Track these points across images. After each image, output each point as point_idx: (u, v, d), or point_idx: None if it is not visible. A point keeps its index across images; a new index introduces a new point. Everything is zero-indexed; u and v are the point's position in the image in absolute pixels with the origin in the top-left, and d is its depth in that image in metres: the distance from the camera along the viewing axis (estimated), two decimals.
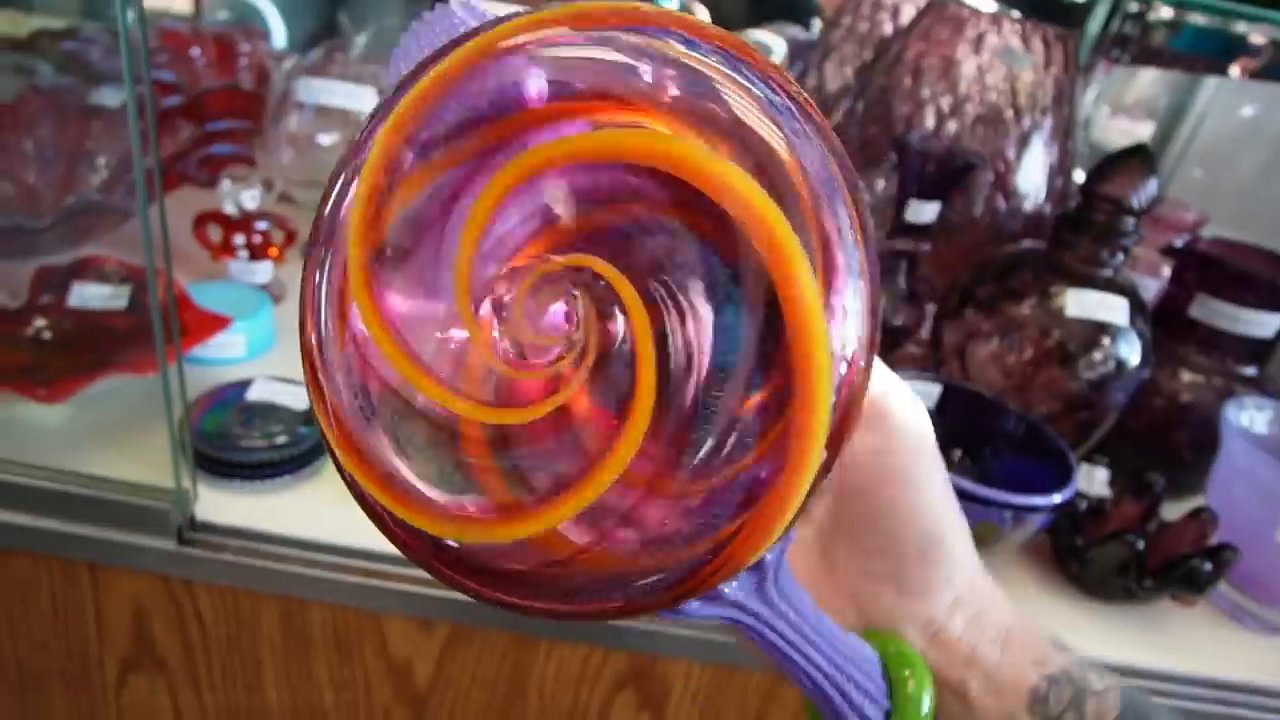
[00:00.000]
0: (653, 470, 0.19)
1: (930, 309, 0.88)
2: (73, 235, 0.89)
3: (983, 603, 0.27)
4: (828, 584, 0.28)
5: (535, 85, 0.18)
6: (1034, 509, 0.65)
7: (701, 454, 0.19)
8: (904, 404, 0.26)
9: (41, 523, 0.65)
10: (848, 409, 0.19)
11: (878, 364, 0.25)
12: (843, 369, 0.18)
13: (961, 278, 0.83)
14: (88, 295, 0.83)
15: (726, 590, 0.24)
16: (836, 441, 0.19)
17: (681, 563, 0.20)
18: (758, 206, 0.17)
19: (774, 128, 0.18)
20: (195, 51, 1.21)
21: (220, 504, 0.66)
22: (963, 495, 0.66)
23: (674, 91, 0.18)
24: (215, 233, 0.94)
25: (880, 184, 0.94)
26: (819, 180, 0.18)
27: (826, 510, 0.29)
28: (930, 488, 0.26)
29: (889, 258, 0.81)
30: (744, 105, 0.18)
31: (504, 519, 0.20)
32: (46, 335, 0.80)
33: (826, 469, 0.19)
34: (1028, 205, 0.88)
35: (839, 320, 0.18)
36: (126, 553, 0.65)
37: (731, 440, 0.19)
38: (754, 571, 0.24)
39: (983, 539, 0.72)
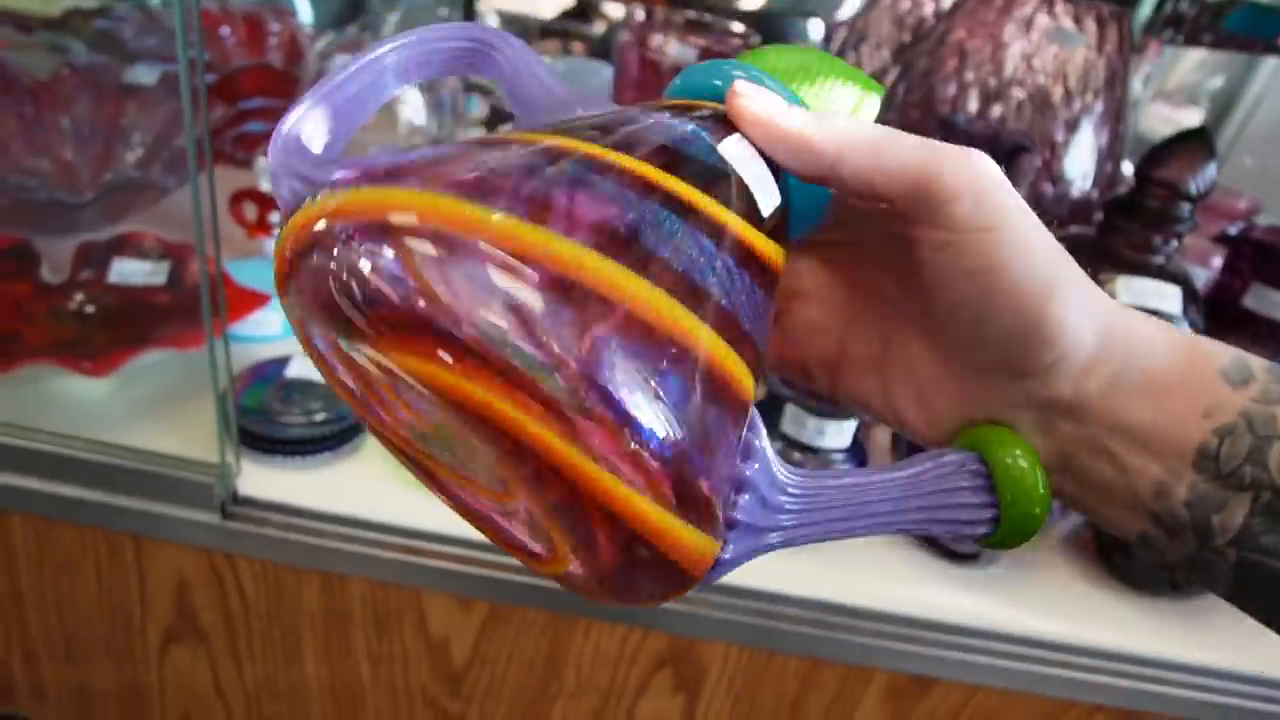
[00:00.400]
0: None
1: None
2: (111, 212, 0.89)
3: (1124, 357, 0.22)
4: (943, 384, 0.26)
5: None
6: None
7: None
8: (955, 171, 0.22)
9: (87, 495, 0.65)
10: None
11: (899, 136, 0.23)
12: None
13: None
14: (127, 271, 0.84)
15: (731, 540, 0.22)
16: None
17: None
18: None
19: None
20: (225, 30, 1.21)
21: (262, 479, 0.66)
22: None
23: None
24: (251, 211, 0.94)
25: None
26: None
27: (921, 315, 0.26)
28: (1013, 261, 0.22)
29: None
30: None
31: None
32: (89, 310, 0.81)
33: None
34: (1075, 191, 0.86)
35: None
36: (170, 526, 0.65)
37: None
38: (748, 494, 0.22)
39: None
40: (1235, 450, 0.21)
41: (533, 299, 0.17)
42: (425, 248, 0.17)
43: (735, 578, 0.66)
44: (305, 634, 0.71)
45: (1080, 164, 0.86)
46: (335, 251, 0.18)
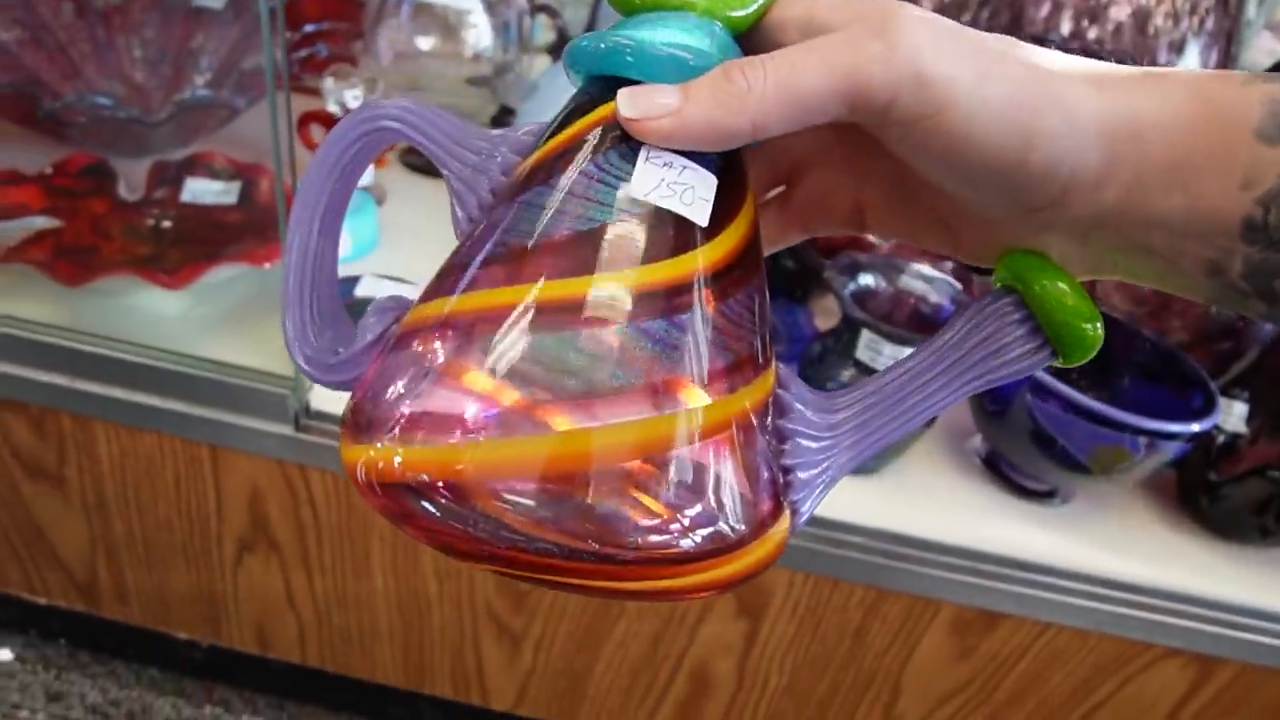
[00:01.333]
0: None
1: None
2: (183, 132, 0.90)
3: (1136, 156, 0.20)
4: (962, 221, 0.25)
5: None
6: (1170, 436, 0.61)
7: None
8: (880, 71, 0.20)
9: (166, 404, 0.67)
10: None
11: (806, 57, 0.21)
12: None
13: None
14: (200, 190, 0.85)
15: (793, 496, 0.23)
16: None
17: None
18: None
19: None
20: None
21: (334, 394, 0.67)
22: (1094, 418, 0.63)
23: None
24: (318, 134, 0.94)
25: None
26: None
27: (910, 189, 0.25)
28: (974, 131, 0.20)
29: None
30: None
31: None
32: (165, 226, 0.82)
33: None
34: None
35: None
36: (245, 436, 0.67)
37: None
38: (785, 440, 0.23)
39: (1111, 465, 0.69)
40: None
41: (593, 494, 0.20)
42: (526, 497, 0.20)
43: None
44: (374, 547, 0.72)
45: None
46: (450, 507, 0.20)
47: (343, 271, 0.78)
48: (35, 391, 0.69)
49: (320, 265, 0.26)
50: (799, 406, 0.24)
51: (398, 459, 0.21)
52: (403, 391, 0.21)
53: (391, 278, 0.76)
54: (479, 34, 1.12)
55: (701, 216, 0.22)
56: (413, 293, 0.78)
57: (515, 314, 0.21)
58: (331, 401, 0.66)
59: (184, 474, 0.72)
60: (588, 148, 0.23)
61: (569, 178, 0.22)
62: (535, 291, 0.21)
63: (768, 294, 0.25)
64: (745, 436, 0.22)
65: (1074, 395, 0.62)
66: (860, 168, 0.27)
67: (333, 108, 0.92)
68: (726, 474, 0.21)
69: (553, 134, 0.24)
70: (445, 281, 0.23)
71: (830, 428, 0.24)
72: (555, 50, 1.16)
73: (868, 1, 0.22)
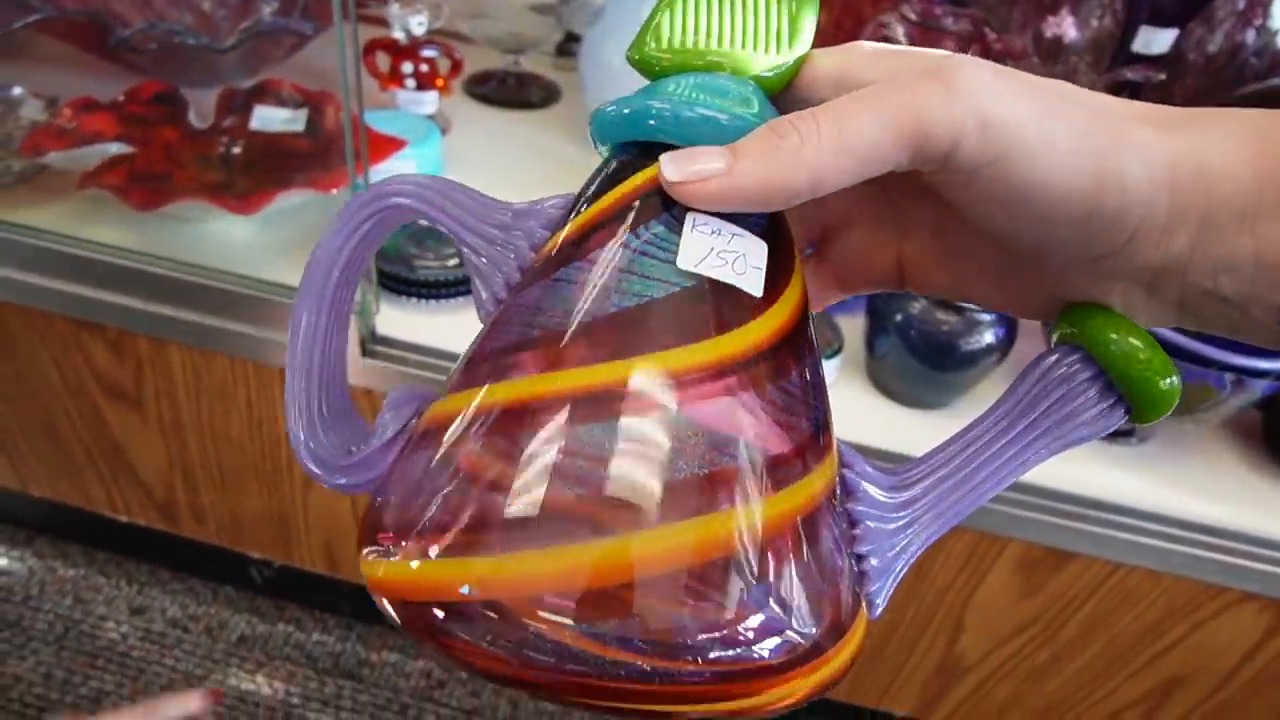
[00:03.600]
0: None
1: None
2: (251, 60, 0.91)
3: (1204, 201, 0.19)
4: (1015, 272, 0.23)
5: None
6: (1259, 373, 0.58)
7: None
8: (941, 117, 0.19)
9: (238, 326, 0.68)
10: None
11: (860, 107, 0.19)
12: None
13: None
14: (268, 118, 0.85)
15: (871, 569, 0.22)
16: None
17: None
18: None
19: None
20: None
21: (399, 320, 0.67)
22: (1179, 352, 0.60)
23: None
24: (384, 62, 0.94)
25: (1097, 16, 0.84)
26: None
27: (979, 244, 0.24)
28: (1040, 176, 0.19)
29: (1106, 93, 0.72)
30: None
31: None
32: (234, 153, 0.83)
33: None
34: None
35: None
36: None
37: None
38: (855, 524, 0.22)
39: (1195, 404, 0.66)
40: None
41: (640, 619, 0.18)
42: (564, 615, 0.18)
43: (866, 439, 0.64)
44: None
45: None
46: (489, 626, 0.18)
47: None
48: (112, 314, 0.71)
49: (328, 354, 0.24)
50: (866, 487, 0.22)
51: (423, 573, 0.19)
52: (427, 497, 0.19)
53: None
54: None
55: (756, 286, 0.20)
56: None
57: (554, 405, 0.19)
58: (399, 327, 0.67)
59: (255, 396, 0.73)
60: (626, 217, 0.21)
61: (608, 251, 0.20)
62: (576, 378, 0.19)
63: (820, 359, 0.23)
64: (814, 528, 0.20)
65: (1158, 329, 0.59)
66: (899, 221, 0.25)
67: (398, 34, 0.91)
68: (797, 571, 0.19)
69: (586, 205, 0.22)
70: (474, 371, 0.21)
71: (900, 506, 0.22)
72: None
73: (907, 53, 0.21)
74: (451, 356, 0.67)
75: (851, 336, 0.71)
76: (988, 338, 0.62)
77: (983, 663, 0.77)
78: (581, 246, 0.21)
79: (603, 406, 0.19)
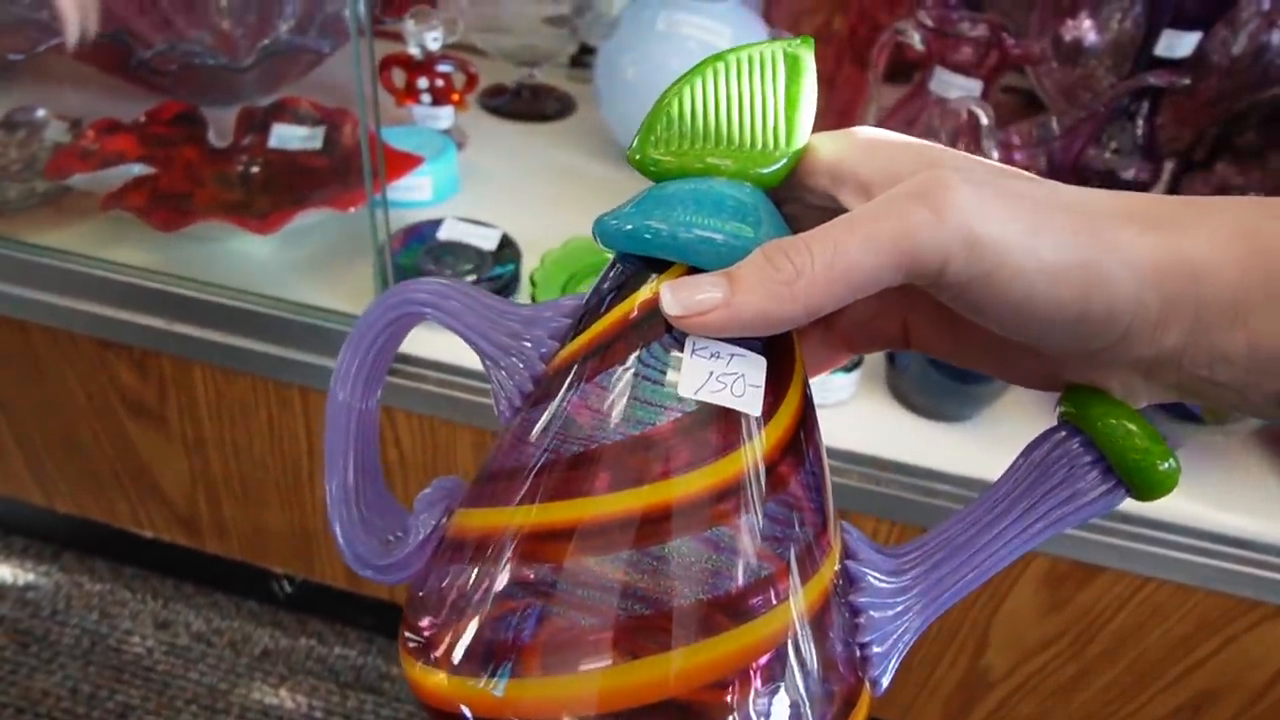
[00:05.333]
0: None
1: (1169, 167, 0.78)
2: (268, 78, 0.91)
3: (1194, 299, 0.20)
4: (1016, 354, 0.24)
5: None
6: None
7: None
8: (930, 238, 0.19)
9: (259, 346, 0.69)
10: None
11: (850, 232, 0.20)
12: None
13: (1209, 129, 0.72)
14: (286, 136, 0.86)
15: (873, 646, 0.22)
16: None
17: None
18: None
19: None
20: None
21: (421, 336, 0.67)
22: None
23: None
24: (399, 77, 0.94)
25: (1116, 19, 0.83)
26: None
27: (973, 342, 0.25)
28: (1028, 287, 0.20)
29: (1128, 98, 0.71)
30: None
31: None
32: (254, 172, 0.83)
33: None
34: None
35: None
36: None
37: None
38: (858, 605, 0.23)
39: (1224, 415, 0.65)
40: None
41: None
42: None
43: (887, 452, 0.63)
44: None
45: None
46: None
47: (424, 216, 0.79)
48: (136, 334, 0.72)
49: (361, 455, 0.25)
50: (869, 576, 0.23)
51: (454, 686, 0.20)
52: (457, 614, 0.21)
53: (472, 221, 0.76)
54: None
55: (755, 407, 0.21)
56: (489, 240, 0.77)
57: (564, 534, 0.20)
58: (418, 345, 0.67)
59: (276, 415, 0.74)
60: (629, 339, 0.22)
61: (612, 376, 0.21)
62: (585, 508, 0.20)
63: (823, 449, 0.23)
64: (820, 627, 0.21)
65: None
66: (907, 295, 0.26)
67: (414, 50, 0.92)
68: (808, 670, 0.20)
69: (591, 321, 0.23)
70: (495, 487, 0.22)
71: (901, 592, 0.23)
72: None
73: (898, 150, 0.22)
74: (470, 374, 0.67)
75: None
76: None
77: (1008, 678, 0.76)
78: (587, 366, 0.22)
79: (614, 536, 0.20)
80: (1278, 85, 0.73)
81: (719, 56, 0.23)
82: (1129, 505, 0.61)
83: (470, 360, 0.66)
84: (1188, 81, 0.65)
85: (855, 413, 0.66)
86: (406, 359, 0.67)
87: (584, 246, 0.75)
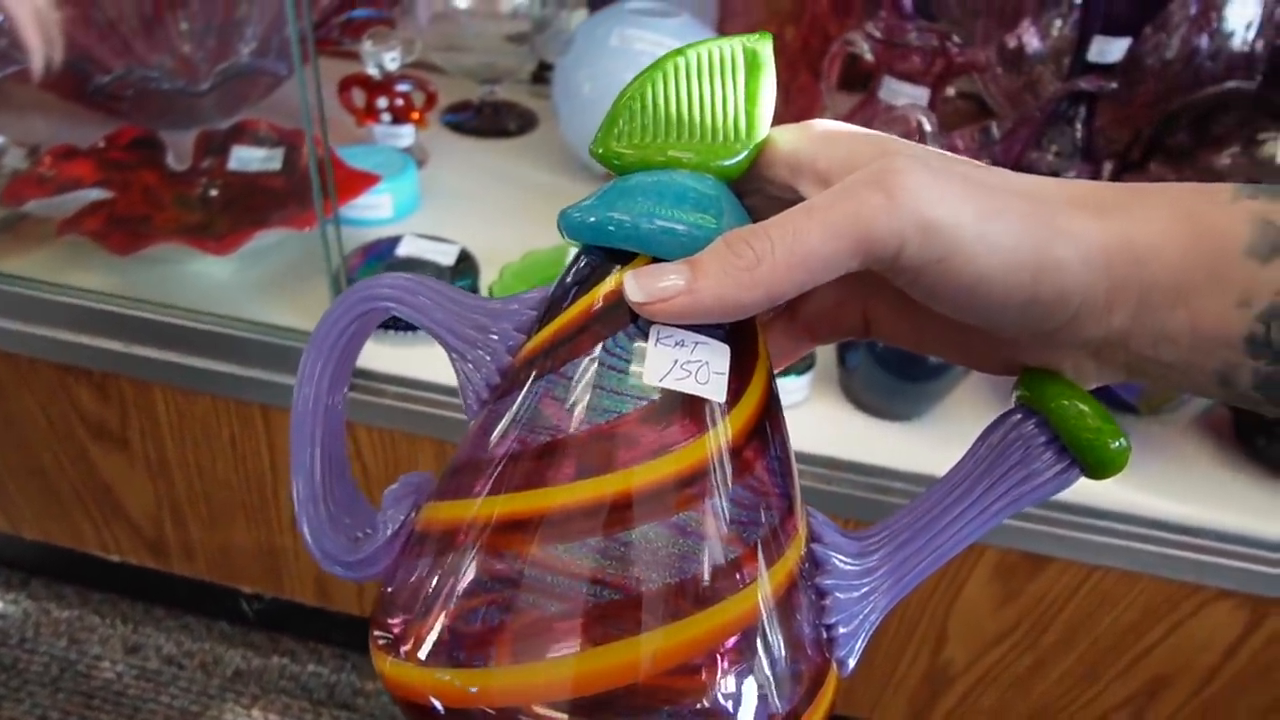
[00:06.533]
0: None
1: (1107, 168, 0.80)
2: (228, 101, 0.92)
3: (1139, 281, 0.21)
4: (973, 338, 0.25)
5: None
6: None
7: None
8: (884, 223, 0.20)
9: (219, 366, 0.69)
10: None
11: (809, 218, 0.21)
12: None
13: (1146, 130, 0.75)
14: (245, 158, 0.86)
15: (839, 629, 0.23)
16: None
17: None
18: None
19: None
20: None
21: (379, 353, 0.68)
22: None
23: None
24: (359, 97, 0.95)
25: (1057, 24, 0.85)
26: None
27: (926, 323, 0.26)
28: (981, 271, 0.20)
29: (1064, 102, 0.73)
30: None
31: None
32: (212, 194, 0.84)
33: None
34: (1235, 43, 0.77)
35: None
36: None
37: None
38: (823, 589, 0.23)
39: (1159, 404, 0.67)
40: None
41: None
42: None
43: (840, 452, 0.65)
44: None
45: (1243, 12, 0.77)
46: None
47: (385, 233, 0.80)
48: (96, 357, 0.72)
49: (327, 452, 0.25)
50: (834, 559, 0.23)
51: (424, 677, 0.20)
52: (426, 606, 0.21)
53: (433, 237, 0.77)
54: None
55: (718, 393, 0.22)
56: (447, 255, 0.78)
57: (532, 523, 0.20)
58: (376, 359, 0.68)
59: (239, 434, 0.74)
60: (594, 330, 0.22)
61: (578, 366, 0.22)
62: (554, 497, 0.21)
63: (788, 436, 0.24)
64: (787, 609, 0.21)
65: None
66: (866, 283, 0.27)
67: (372, 70, 0.93)
68: (774, 651, 0.21)
69: (556, 313, 0.23)
70: (461, 480, 0.22)
71: (866, 574, 0.23)
72: (593, 1, 1.14)
73: (854, 140, 0.23)
74: (428, 387, 0.68)
75: (824, 350, 0.72)
76: None
77: (968, 671, 0.77)
78: (553, 358, 0.22)
79: (581, 524, 0.20)
80: (1208, 87, 0.76)
81: (680, 52, 0.24)
82: (1072, 494, 0.63)
83: (429, 373, 0.67)
84: (1115, 85, 0.67)
85: (809, 414, 0.68)
86: (366, 374, 0.68)
87: (543, 259, 0.76)
